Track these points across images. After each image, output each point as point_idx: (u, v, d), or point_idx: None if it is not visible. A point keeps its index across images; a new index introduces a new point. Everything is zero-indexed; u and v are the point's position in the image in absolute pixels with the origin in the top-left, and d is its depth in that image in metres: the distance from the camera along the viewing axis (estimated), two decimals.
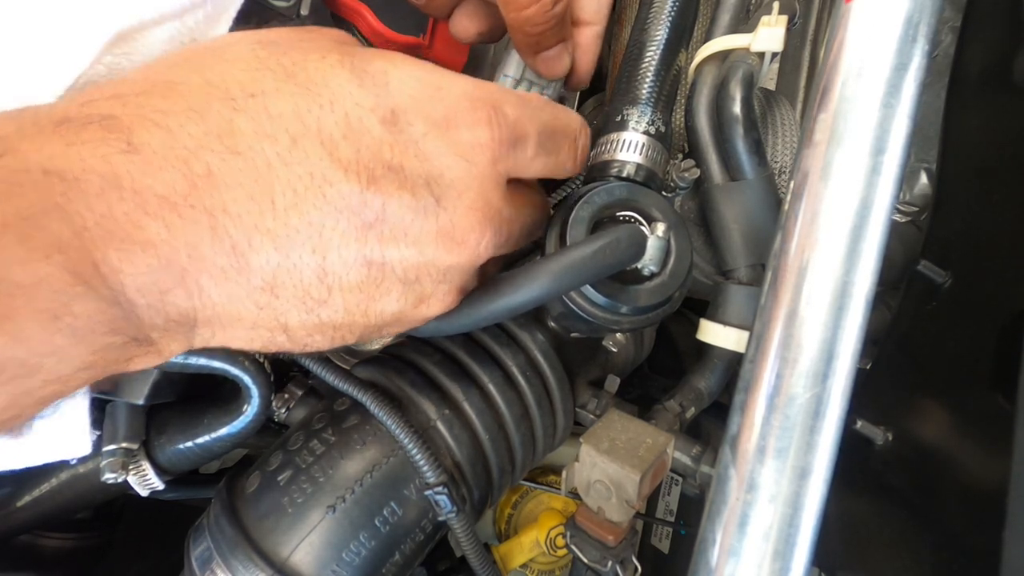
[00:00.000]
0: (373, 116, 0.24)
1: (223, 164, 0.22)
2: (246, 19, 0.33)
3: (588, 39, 0.39)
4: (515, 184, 0.30)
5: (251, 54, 0.25)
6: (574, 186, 0.48)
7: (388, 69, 0.26)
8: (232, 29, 0.31)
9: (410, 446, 0.34)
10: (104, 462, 0.35)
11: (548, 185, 0.52)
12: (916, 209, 0.47)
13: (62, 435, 0.29)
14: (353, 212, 0.24)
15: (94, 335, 0.21)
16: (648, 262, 0.34)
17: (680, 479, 0.40)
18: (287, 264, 0.24)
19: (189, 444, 0.38)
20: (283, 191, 0.23)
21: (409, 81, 0.26)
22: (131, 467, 0.36)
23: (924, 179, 0.48)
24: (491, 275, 0.33)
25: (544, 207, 0.34)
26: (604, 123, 0.42)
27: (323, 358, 0.37)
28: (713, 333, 0.40)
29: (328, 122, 0.24)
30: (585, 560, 0.36)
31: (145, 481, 0.37)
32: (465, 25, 0.40)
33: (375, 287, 0.25)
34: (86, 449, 0.29)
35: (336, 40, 0.27)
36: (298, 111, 0.23)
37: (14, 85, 0.26)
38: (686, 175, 0.41)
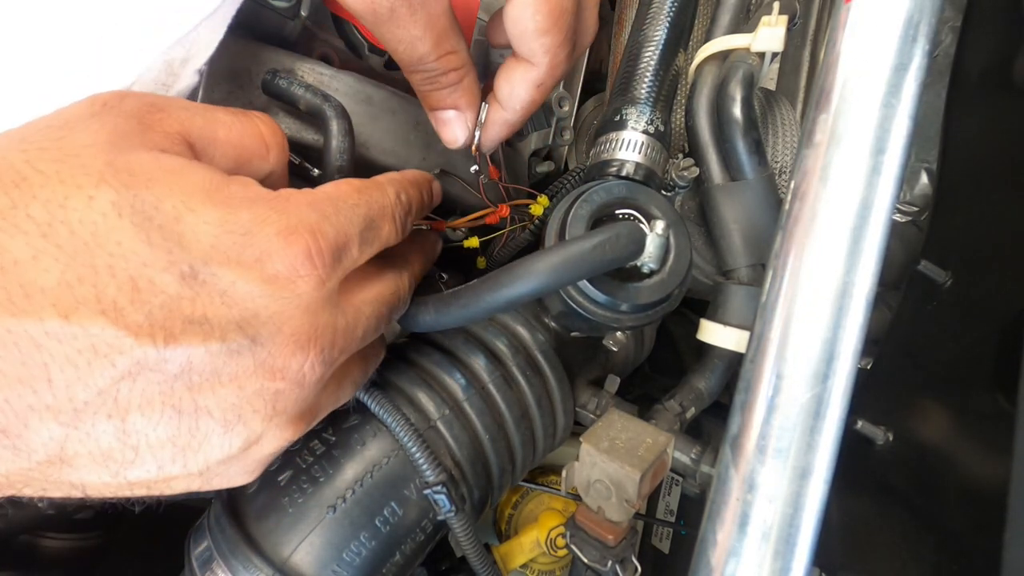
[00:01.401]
0: (167, 275, 0.21)
1: None
2: (246, 19, 0.33)
3: (492, 118, 0.36)
4: (354, 278, 0.29)
5: None
6: (570, 183, 0.48)
7: (182, 214, 0.22)
8: (231, 31, 0.31)
9: (410, 446, 0.34)
10: None
11: (543, 183, 0.52)
12: (916, 209, 0.47)
13: None
14: (152, 371, 0.21)
15: None
16: (647, 259, 0.34)
17: (680, 479, 0.40)
18: (78, 435, 0.21)
19: None
20: (61, 368, 0.20)
21: (209, 229, 0.23)
22: None
23: (924, 179, 0.48)
24: (348, 384, 0.31)
25: (397, 281, 0.32)
26: (603, 123, 0.42)
27: None
28: (713, 333, 0.40)
29: (109, 290, 0.20)
30: (585, 560, 0.36)
31: None
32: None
33: (190, 437, 0.23)
34: None
35: (108, 151, 0.22)
36: (66, 282, 0.20)
37: (74, 89, 0.26)
38: (685, 174, 0.41)
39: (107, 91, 0.25)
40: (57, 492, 0.23)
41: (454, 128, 0.36)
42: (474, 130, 0.36)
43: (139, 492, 0.25)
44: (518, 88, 0.34)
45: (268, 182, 0.29)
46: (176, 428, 0.23)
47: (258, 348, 0.23)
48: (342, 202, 0.27)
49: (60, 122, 0.23)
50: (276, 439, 0.26)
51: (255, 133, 0.28)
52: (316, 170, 0.36)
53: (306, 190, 0.27)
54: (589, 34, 0.36)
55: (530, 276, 0.29)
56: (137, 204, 0.21)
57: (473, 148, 0.39)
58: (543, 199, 0.44)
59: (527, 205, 0.44)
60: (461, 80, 0.33)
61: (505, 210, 0.43)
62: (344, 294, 0.28)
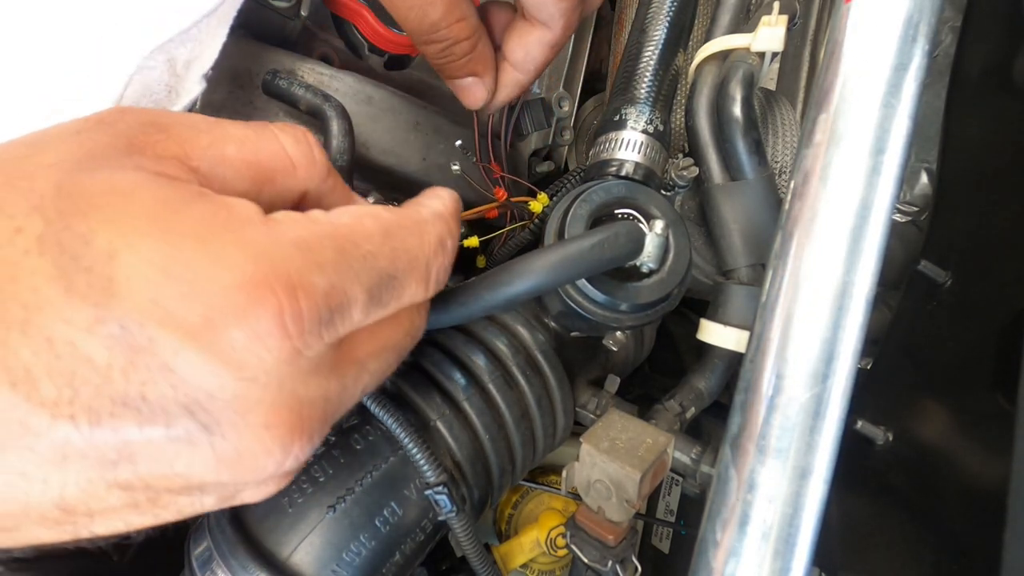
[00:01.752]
0: (92, 339, 0.17)
1: None
2: (246, 19, 0.33)
3: (507, 79, 0.38)
4: (355, 335, 0.23)
5: None
6: (570, 183, 0.48)
7: (117, 252, 0.17)
8: (231, 31, 0.31)
9: (410, 446, 0.34)
10: None
11: (543, 183, 0.52)
12: (916, 209, 0.47)
13: None
14: (82, 456, 0.18)
15: None
16: (647, 259, 0.34)
17: (680, 479, 0.40)
18: (6, 509, 0.18)
19: None
20: None
21: (147, 274, 0.17)
22: None
23: (924, 179, 0.48)
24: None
25: (413, 319, 0.26)
26: (603, 122, 0.42)
27: None
28: (713, 333, 0.40)
29: (21, 355, 0.16)
30: (585, 560, 0.36)
31: None
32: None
33: (151, 503, 0.20)
34: None
35: (66, 172, 0.18)
36: None
37: (74, 89, 0.26)
38: (685, 173, 0.41)
39: (111, 108, 0.22)
40: (21, 544, 0.20)
41: (474, 92, 0.37)
42: (495, 89, 0.38)
43: (117, 532, 0.21)
44: (534, 51, 0.36)
45: (307, 204, 0.25)
46: (129, 499, 0.19)
47: (217, 439, 0.19)
48: (353, 246, 0.21)
49: (38, 138, 0.20)
50: (260, 493, 0.22)
51: (274, 148, 0.23)
52: None
53: (307, 217, 0.21)
54: None
55: (528, 274, 0.29)
56: (65, 238, 0.17)
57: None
58: (543, 196, 0.44)
59: (527, 202, 0.44)
60: (475, 47, 0.34)
61: (502, 193, 0.43)
62: (341, 350, 0.22)
